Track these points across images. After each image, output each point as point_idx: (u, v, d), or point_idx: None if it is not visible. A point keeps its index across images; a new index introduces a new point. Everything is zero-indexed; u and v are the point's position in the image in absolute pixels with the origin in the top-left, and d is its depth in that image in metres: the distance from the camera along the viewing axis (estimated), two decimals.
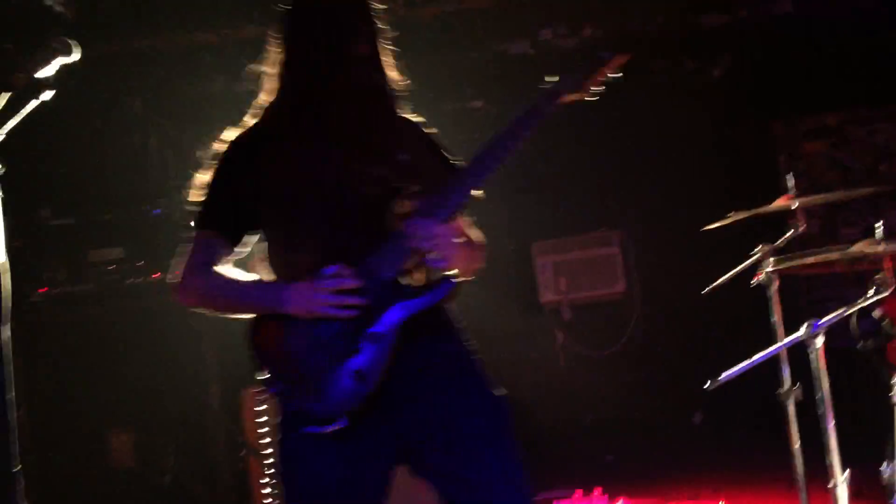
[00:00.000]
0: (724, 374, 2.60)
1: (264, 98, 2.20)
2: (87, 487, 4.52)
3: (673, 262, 5.80)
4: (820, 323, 2.42)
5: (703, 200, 5.59)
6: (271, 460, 2.21)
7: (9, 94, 2.10)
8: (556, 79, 2.22)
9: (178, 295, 2.17)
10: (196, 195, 2.19)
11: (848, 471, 2.82)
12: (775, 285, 3.26)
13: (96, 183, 4.99)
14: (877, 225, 2.55)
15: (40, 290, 4.58)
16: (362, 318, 1.99)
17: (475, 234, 2.28)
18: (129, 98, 5.32)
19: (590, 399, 5.95)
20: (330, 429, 1.96)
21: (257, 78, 2.21)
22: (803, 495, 3.29)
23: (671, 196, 5.84)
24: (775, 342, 3.34)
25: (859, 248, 2.50)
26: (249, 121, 2.22)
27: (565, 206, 5.98)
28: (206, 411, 4.58)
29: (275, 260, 2.16)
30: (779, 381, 3.38)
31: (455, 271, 2.06)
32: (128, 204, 4.85)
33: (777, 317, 3.31)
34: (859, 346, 2.76)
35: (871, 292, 2.41)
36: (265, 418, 2.59)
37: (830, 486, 2.75)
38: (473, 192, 2.10)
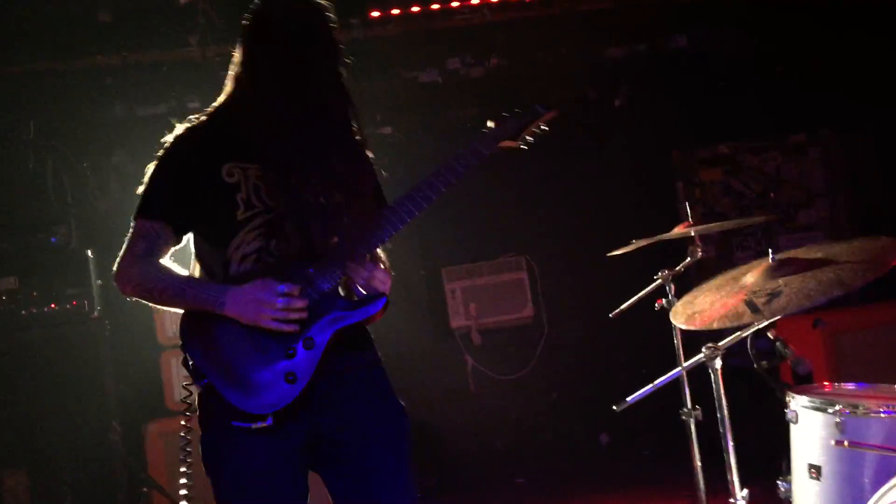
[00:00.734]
0: (630, 397, 2.68)
1: (219, 101, 2.27)
2: None
3: (579, 286, 5.93)
4: (717, 346, 2.53)
5: (607, 226, 5.76)
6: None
7: None
8: (494, 125, 2.41)
9: (118, 284, 2.21)
10: (142, 185, 2.22)
11: (747, 489, 2.94)
12: None
13: None
14: (769, 251, 2.68)
15: None
16: (302, 325, 2.11)
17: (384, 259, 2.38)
18: (22, 121, 5.12)
19: (500, 423, 6.00)
20: (256, 425, 2.06)
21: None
22: None
23: (577, 222, 5.99)
24: (678, 361, 3.47)
25: (753, 277, 2.62)
26: (200, 117, 2.26)
27: (474, 232, 6.05)
28: (106, 447, 4.40)
29: (208, 255, 2.21)
30: (681, 401, 3.49)
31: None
32: (22, 231, 4.64)
33: (678, 339, 3.43)
34: (756, 366, 2.87)
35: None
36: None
37: (731, 502, 2.85)
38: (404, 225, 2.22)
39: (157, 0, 4.78)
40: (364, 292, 2.17)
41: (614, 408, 2.77)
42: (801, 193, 6.19)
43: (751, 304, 2.53)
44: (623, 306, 3.68)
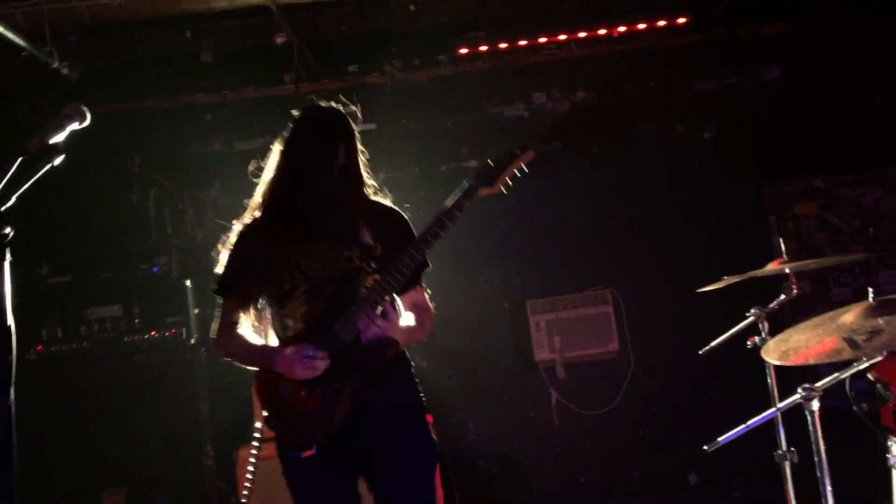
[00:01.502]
0: (723, 437, 2.62)
1: (261, 197, 2.80)
2: None
3: (667, 321, 5.83)
4: (815, 387, 2.45)
5: (695, 260, 5.67)
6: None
7: (21, 159, 2.15)
8: (472, 181, 2.74)
9: (215, 349, 2.83)
10: (218, 268, 2.80)
11: None
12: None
13: (94, 240, 5.02)
14: (869, 290, 2.59)
15: (37, 349, 4.57)
16: (330, 373, 2.62)
17: (418, 310, 2.81)
18: (128, 156, 5.39)
19: (584, 458, 5.92)
20: (305, 454, 2.62)
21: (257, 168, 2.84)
22: None
23: (664, 256, 5.90)
24: (770, 401, 3.37)
25: (852, 317, 2.54)
26: (254, 213, 2.82)
27: (559, 265, 6.02)
28: (199, 470, 4.54)
29: (273, 322, 2.81)
30: (774, 442, 3.39)
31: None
32: (126, 261, 4.87)
33: (772, 379, 3.34)
34: (855, 408, 2.78)
35: (864, 357, 2.45)
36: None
37: None
38: (401, 278, 2.62)
39: (254, 41, 4.99)
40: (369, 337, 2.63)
41: (705, 448, 2.71)
42: None
43: (851, 342, 2.45)
44: (714, 343, 3.61)
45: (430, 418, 4.96)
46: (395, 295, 2.71)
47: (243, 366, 2.81)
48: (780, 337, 2.76)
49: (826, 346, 2.48)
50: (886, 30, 5.15)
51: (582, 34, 5.00)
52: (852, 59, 5.49)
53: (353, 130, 2.83)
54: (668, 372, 5.82)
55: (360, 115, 2.90)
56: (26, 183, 2.17)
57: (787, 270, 3.26)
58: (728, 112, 5.80)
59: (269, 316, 2.81)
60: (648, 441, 5.89)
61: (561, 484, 5.86)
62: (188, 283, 4.86)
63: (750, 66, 5.53)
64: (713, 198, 5.92)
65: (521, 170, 2.78)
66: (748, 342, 3.37)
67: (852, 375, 2.70)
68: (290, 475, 2.73)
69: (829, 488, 2.60)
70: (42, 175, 2.20)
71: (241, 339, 2.78)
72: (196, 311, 4.78)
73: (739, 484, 5.56)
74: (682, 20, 4.96)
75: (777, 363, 2.70)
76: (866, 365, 2.44)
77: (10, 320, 2.08)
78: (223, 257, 2.80)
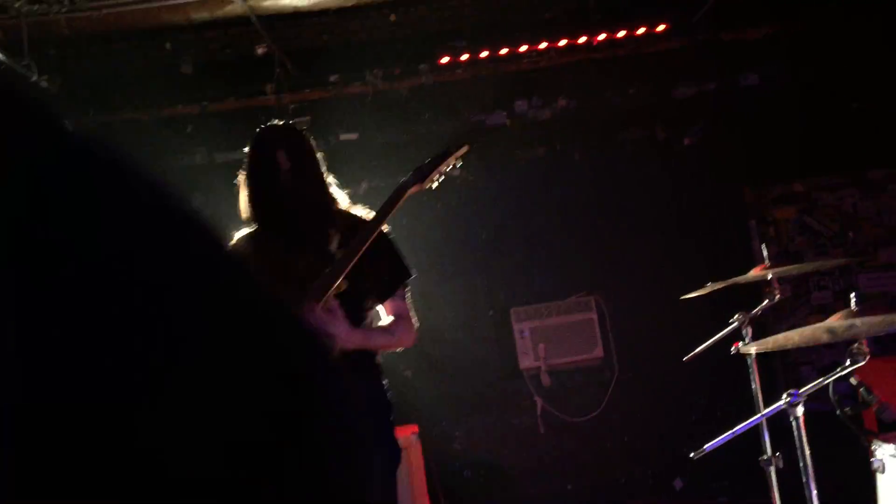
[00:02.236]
0: (708, 444, 2.63)
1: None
2: None
3: (651, 327, 5.85)
4: (799, 392, 2.47)
5: (678, 265, 5.69)
6: None
7: None
8: (407, 178, 2.79)
9: None
10: None
11: None
12: (753, 354, 3.32)
13: None
14: (851, 295, 2.61)
15: None
16: None
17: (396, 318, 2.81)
18: None
19: (571, 465, 5.92)
20: None
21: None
22: None
23: (647, 262, 5.93)
24: (755, 407, 3.39)
25: (834, 321, 2.56)
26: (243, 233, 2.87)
27: (543, 272, 6.04)
28: None
29: None
30: (759, 447, 3.40)
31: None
32: None
33: (757, 384, 3.35)
34: (838, 413, 2.80)
35: (847, 362, 2.46)
36: None
37: None
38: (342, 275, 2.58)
39: (235, 52, 4.97)
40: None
41: (692, 455, 2.71)
42: (881, 231, 6.02)
43: (829, 331, 2.49)
44: (697, 350, 3.62)
45: (415, 428, 4.96)
46: (370, 302, 2.72)
47: None
48: (762, 342, 2.78)
49: (804, 334, 2.54)
50: (865, 34, 5.20)
51: (562, 42, 5.02)
52: (831, 64, 5.55)
53: (294, 136, 2.85)
54: (653, 378, 5.84)
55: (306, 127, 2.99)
56: None
57: (770, 277, 3.28)
58: (709, 117, 5.84)
59: None
60: (634, 447, 5.91)
61: (547, 491, 5.86)
62: None
63: (729, 71, 5.58)
64: (695, 203, 5.96)
65: (454, 165, 2.84)
66: (732, 348, 3.38)
67: (835, 379, 2.71)
68: None
69: (814, 493, 2.62)
70: None
71: None
72: None
73: (725, 488, 5.58)
74: (661, 27, 5.00)
75: (756, 351, 2.73)
76: (850, 369, 2.46)
77: None
78: None
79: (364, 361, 2.74)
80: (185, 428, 0.48)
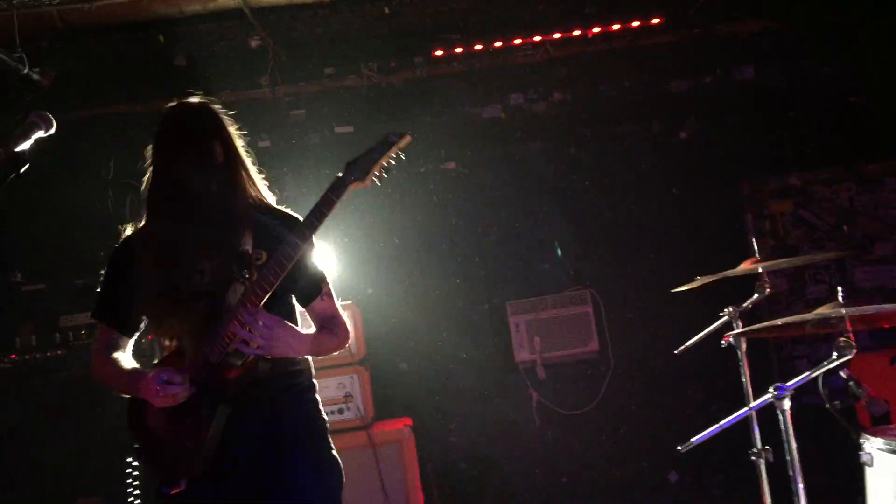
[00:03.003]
0: (696, 438, 2.63)
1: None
2: None
3: (646, 320, 5.85)
4: (786, 387, 2.47)
5: (673, 259, 5.69)
6: None
7: None
8: (345, 170, 2.44)
9: (91, 374, 2.64)
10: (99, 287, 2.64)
11: None
12: (744, 346, 3.32)
13: (68, 247, 4.97)
14: (838, 289, 2.61)
15: (11, 357, 4.52)
16: (198, 399, 2.39)
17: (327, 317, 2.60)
18: (102, 162, 5.33)
19: (566, 458, 5.93)
20: (173, 490, 2.38)
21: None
22: None
23: (643, 255, 5.92)
24: (746, 400, 3.39)
25: (822, 312, 2.56)
26: (132, 230, 2.66)
27: (539, 266, 6.03)
28: None
29: (155, 338, 2.77)
30: (751, 440, 3.41)
31: (262, 352, 2.39)
32: (100, 268, 4.81)
33: (746, 377, 3.35)
34: (828, 406, 2.79)
35: (834, 355, 2.46)
36: None
37: None
38: (273, 279, 2.37)
39: (228, 44, 4.95)
40: (252, 349, 2.37)
41: (679, 448, 2.72)
42: (877, 225, 6.01)
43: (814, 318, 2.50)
44: (688, 343, 3.62)
45: (409, 421, 4.96)
46: (293, 306, 2.54)
47: (119, 392, 2.57)
48: (746, 329, 2.78)
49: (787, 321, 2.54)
50: (861, 28, 5.18)
51: (557, 35, 5.01)
52: (827, 58, 5.54)
53: (224, 127, 2.60)
54: (648, 371, 5.84)
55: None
56: None
57: (760, 270, 3.27)
58: (704, 111, 5.83)
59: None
60: (629, 440, 5.91)
61: (543, 484, 5.87)
62: None
63: (725, 65, 5.56)
64: (691, 197, 5.95)
65: (396, 158, 2.46)
66: (723, 341, 3.38)
67: (825, 372, 2.71)
68: None
69: (800, 486, 2.62)
70: (8, 183, 2.18)
71: (114, 363, 2.56)
72: None
73: (719, 481, 5.59)
74: (656, 20, 4.98)
75: (739, 336, 2.72)
76: (837, 363, 2.46)
77: None
78: (102, 275, 2.64)
79: (294, 376, 2.54)
80: None
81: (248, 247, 2.46)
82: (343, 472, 2.52)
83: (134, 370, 2.54)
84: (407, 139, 2.44)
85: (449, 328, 5.89)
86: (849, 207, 6.03)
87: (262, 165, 2.72)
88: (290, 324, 2.46)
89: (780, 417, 2.54)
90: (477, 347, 5.99)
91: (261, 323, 2.35)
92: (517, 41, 5.04)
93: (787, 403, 2.49)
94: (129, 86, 5.06)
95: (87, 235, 5.08)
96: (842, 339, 2.38)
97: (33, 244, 4.99)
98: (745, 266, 3.31)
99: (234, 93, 5.41)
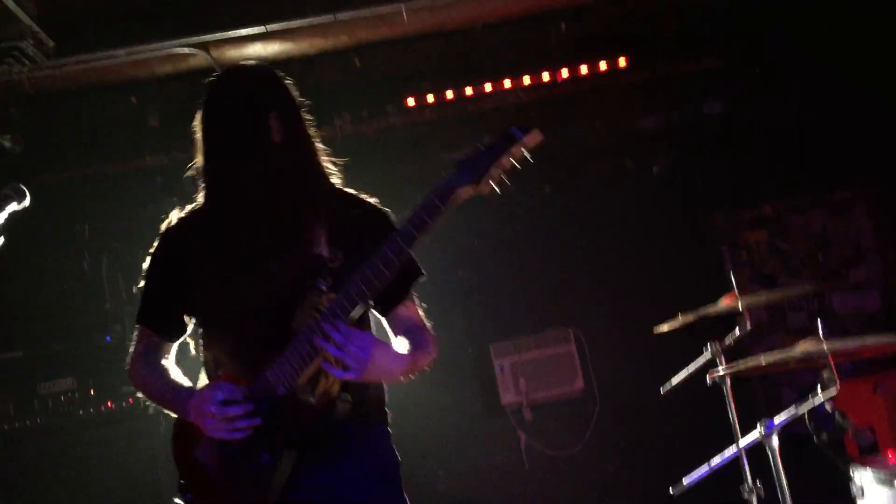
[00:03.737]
0: (687, 480, 2.62)
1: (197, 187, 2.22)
2: None
3: (629, 358, 5.85)
4: (773, 423, 2.47)
5: (651, 294, 5.71)
6: None
7: None
8: (455, 170, 1.96)
9: (129, 379, 2.28)
10: (140, 285, 2.26)
11: None
12: (728, 383, 3.33)
13: (45, 313, 4.91)
14: (818, 322, 2.64)
15: None
16: (258, 438, 1.94)
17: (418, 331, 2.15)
18: (77, 224, 5.30)
19: (557, 499, 5.88)
20: None
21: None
22: None
23: (621, 292, 5.94)
24: (735, 437, 3.38)
25: (803, 348, 2.58)
26: (183, 213, 2.25)
27: (519, 307, 6.04)
28: None
29: (203, 351, 2.19)
30: (739, 475, 3.40)
31: (356, 377, 1.91)
32: (78, 332, 4.76)
33: (733, 414, 3.35)
34: (816, 440, 2.80)
35: (819, 388, 2.48)
36: None
37: None
38: (367, 290, 1.92)
39: (201, 101, 4.96)
40: (340, 373, 1.89)
41: (671, 491, 2.70)
42: (849, 251, 6.08)
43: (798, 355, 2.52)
44: (673, 381, 3.63)
45: None
46: (377, 315, 2.09)
47: (159, 406, 2.21)
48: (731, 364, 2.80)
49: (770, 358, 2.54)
50: (823, 59, 5.29)
51: (526, 80, 5.08)
52: (791, 89, 5.64)
53: (289, 93, 2.16)
54: (635, 408, 5.83)
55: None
56: None
57: (741, 307, 3.30)
58: (675, 146, 5.91)
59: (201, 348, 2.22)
60: (617, 479, 5.88)
61: None
62: None
63: (692, 100, 5.66)
64: (666, 231, 6.00)
65: (520, 159, 1.94)
66: (708, 379, 3.39)
67: (811, 405, 2.73)
68: None
69: None
70: None
71: (159, 371, 2.17)
72: None
73: None
74: (622, 61, 5.06)
75: (726, 374, 2.73)
76: (821, 399, 2.47)
77: None
78: (144, 270, 2.22)
79: (373, 414, 2.14)
80: None
81: (323, 248, 2.02)
82: None
83: (181, 385, 2.13)
84: (536, 135, 1.92)
85: (433, 373, 5.85)
86: (822, 235, 6.10)
87: None
88: (385, 342, 2.00)
89: (770, 455, 2.54)
90: (462, 391, 5.96)
91: (354, 344, 1.87)
92: (488, 87, 5.11)
93: (775, 441, 2.49)
94: (102, 147, 5.05)
95: (63, 300, 5.03)
96: (825, 372, 2.40)
97: (7, 312, 4.93)
98: (725, 303, 3.34)
99: None
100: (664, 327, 3.60)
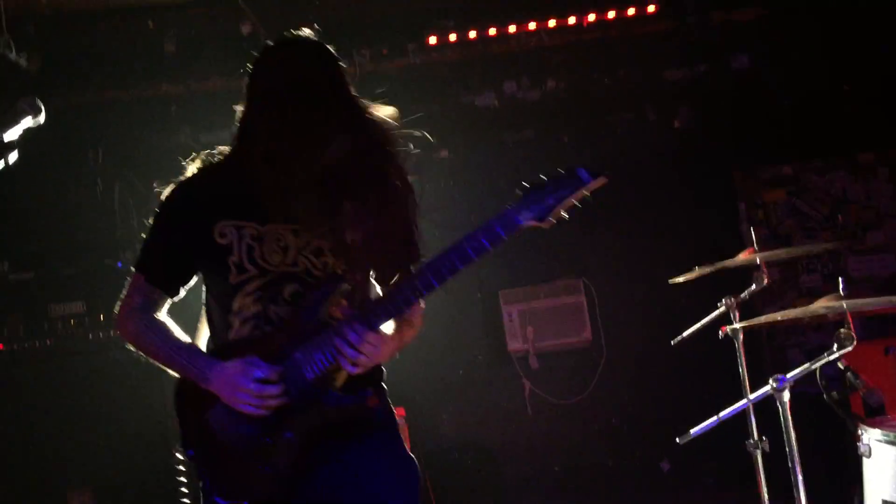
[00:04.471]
0: (694, 430, 2.61)
1: (224, 150, 2.15)
2: None
3: (639, 310, 5.84)
4: (786, 378, 2.45)
5: (666, 248, 5.67)
6: None
7: None
8: (520, 203, 1.98)
9: (117, 330, 2.22)
10: (144, 235, 2.16)
11: None
12: (741, 338, 3.30)
13: (57, 235, 4.91)
14: (839, 280, 2.60)
15: None
16: (283, 414, 1.98)
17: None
18: (91, 149, 5.27)
19: (559, 447, 5.93)
20: None
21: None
22: None
23: (636, 245, 5.91)
24: (742, 390, 3.38)
25: (822, 304, 2.54)
26: (204, 167, 2.16)
27: (531, 255, 6.01)
28: (169, 469, 4.46)
29: (212, 316, 2.14)
30: (747, 431, 3.40)
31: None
32: (89, 257, 4.76)
33: (744, 369, 3.34)
34: (826, 397, 2.79)
35: (834, 347, 2.45)
36: None
37: None
38: (413, 304, 2.01)
39: (219, 31, 4.88)
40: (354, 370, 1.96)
41: (678, 440, 2.70)
42: (869, 214, 6.01)
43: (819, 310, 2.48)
44: (685, 334, 3.61)
45: (402, 411, 4.93)
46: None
47: (153, 361, 2.15)
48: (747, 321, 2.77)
49: (788, 315, 2.51)
50: (855, 17, 5.16)
51: (552, 23, 4.96)
52: (821, 47, 5.51)
53: (340, 76, 2.09)
54: (641, 361, 5.84)
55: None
56: None
57: (759, 261, 3.25)
58: (699, 100, 5.80)
59: (204, 305, 2.17)
60: (621, 429, 5.92)
61: (535, 472, 5.87)
62: None
63: (720, 53, 5.53)
64: (684, 185, 5.93)
65: (581, 199, 1.99)
66: (720, 333, 3.37)
67: (823, 364, 2.70)
68: None
69: (800, 478, 2.61)
70: None
71: (161, 329, 2.09)
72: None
73: (712, 470, 5.59)
74: (651, 8, 4.93)
75: (741, 328, 2.70)
76: (837, 355, 2.44)
77: None
78: (149, 225, 2.14)
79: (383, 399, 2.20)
80: None
81: (362, 237, 2.02)
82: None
83: (196, 350, 2.08)
84: (602, 180, 1.96)
85: (442, 318, 5.86)
86: (842, 197, 6.03)
87: None
88: (386, 334, 2.03)
89: (780, 409, 2.53)
90: (470, 337, 5.97)
91: (369, 344, 1.95)
92: (511, 29, 4.99)
93: (786, 395, 2.48)
94: (117, 72, 4.98)
95: (75, 224, 5.02)
96: (842, 330, 2.37)
97: (20, 233, 4.93)
98: (743, 256, 3.30)
99: (225, 80, 5.34)
100: (680, 279, 3.56)
